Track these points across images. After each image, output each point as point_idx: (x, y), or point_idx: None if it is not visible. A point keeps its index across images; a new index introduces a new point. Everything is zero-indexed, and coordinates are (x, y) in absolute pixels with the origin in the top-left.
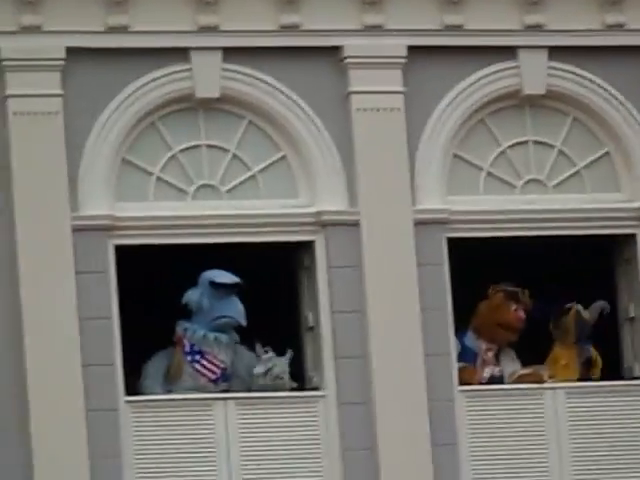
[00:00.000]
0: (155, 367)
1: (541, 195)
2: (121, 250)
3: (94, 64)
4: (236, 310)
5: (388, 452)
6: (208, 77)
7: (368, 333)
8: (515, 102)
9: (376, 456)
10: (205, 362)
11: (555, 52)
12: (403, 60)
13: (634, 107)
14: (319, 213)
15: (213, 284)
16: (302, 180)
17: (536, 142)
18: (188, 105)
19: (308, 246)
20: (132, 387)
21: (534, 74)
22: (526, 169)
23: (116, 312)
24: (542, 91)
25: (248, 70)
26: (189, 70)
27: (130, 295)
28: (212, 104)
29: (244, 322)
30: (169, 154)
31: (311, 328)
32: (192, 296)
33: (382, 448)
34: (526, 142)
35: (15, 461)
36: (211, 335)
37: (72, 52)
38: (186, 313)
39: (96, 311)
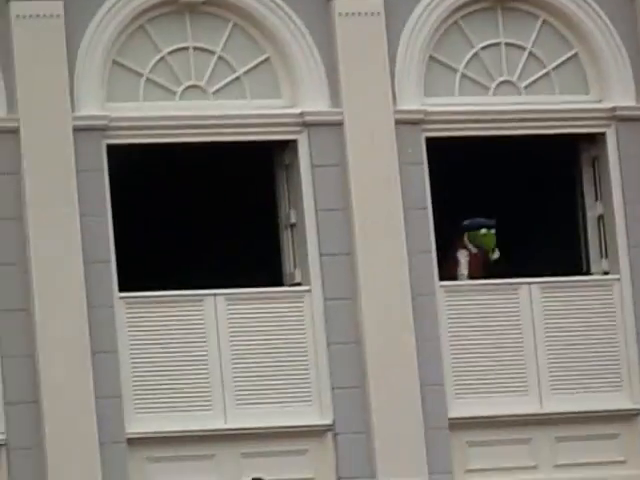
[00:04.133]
0: None
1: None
2: (114, 149)
3: None
4: None
5: (373, 345)
6: None
7: (352, 231)
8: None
9: (361, 349)
10: None
11: None
12: None
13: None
14: (302, 113)
15: None
16: (286, 81)
17: (508, 44)
18: (175, 8)
19: (291, 145)
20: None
21: None
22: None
23: (109, 209)
24: None
25: None
26: None
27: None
28: (198, 7)
29: None
30: (158, 56)
31: (292, 225)
32: None
33: (367, 341)
34: (499, 44)
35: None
36: None
37: None
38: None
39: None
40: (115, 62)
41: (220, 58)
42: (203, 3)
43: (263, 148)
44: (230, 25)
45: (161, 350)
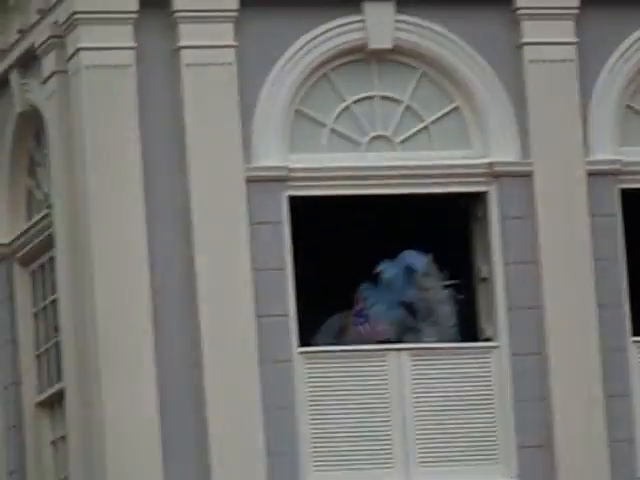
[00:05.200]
0: (329, 325)
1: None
2: (295, 201)
3: (267, 15)
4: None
5: (561, 404)
6: (381, 28)
7: (541, 284)
8: (361, 56)
9: (548, 407)
10: (368, 327)
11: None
12: (575, 11)
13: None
14: (492, 164)
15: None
16: (475, 131)
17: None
18: (360, 56)
19: (481, 197)
20: (306, 341)
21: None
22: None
23: (290, 263)
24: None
25: (421, 21)
26: (362, 21)
27: (306, 248)
28: (386, 55)
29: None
30: (342, 105)
31: (484, 279)
32: (389, 271)
33: (554, 400)
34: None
35: (188, 410)
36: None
37: (245, 3)
38: (369, 276)
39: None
40: None
41: (407, 108)
42: (391, 51)
43: (456, 200)
44: (418, 74)
45: (341, 405)
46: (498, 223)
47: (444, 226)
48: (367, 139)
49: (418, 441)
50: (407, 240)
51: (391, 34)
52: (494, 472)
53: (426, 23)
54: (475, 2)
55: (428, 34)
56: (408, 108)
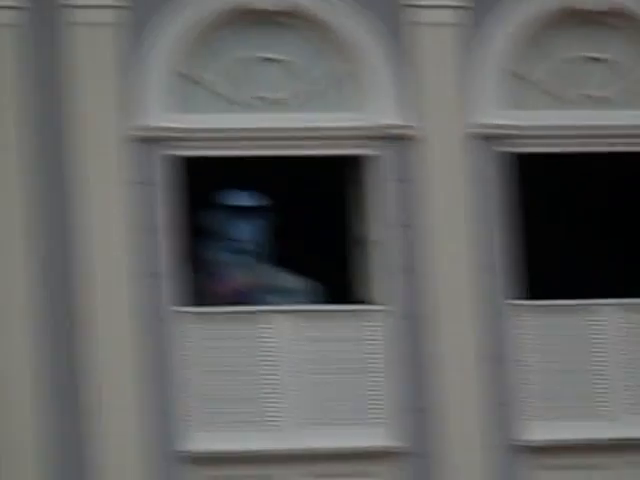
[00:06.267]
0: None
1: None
2: (176, 161)
3: None
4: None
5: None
6: None
7: (422, 247)
8: (243, 17)
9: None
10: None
11: None
12: None
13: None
14: (374, 127)
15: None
16: (357, 94)
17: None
18: (242, 17)
19: (362, 160)
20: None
21: None
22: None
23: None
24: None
25: None
26: None
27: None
28: (267, 16)
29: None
30: (223, 66)
31: (362, 241)
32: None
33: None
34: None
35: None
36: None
37: None
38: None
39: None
40: None
41: (288, 69)
42: (272, 12)
43: (330, 163)
44: (299, 35)
45: (218, 367)
46: (380, 186)
47: (321, 189)
48: (247, 100)
49: (298, 403)
50: (282, 201)
51: None
52: (377, 435)
53: None
54: None
55: None
56: (288, 69)
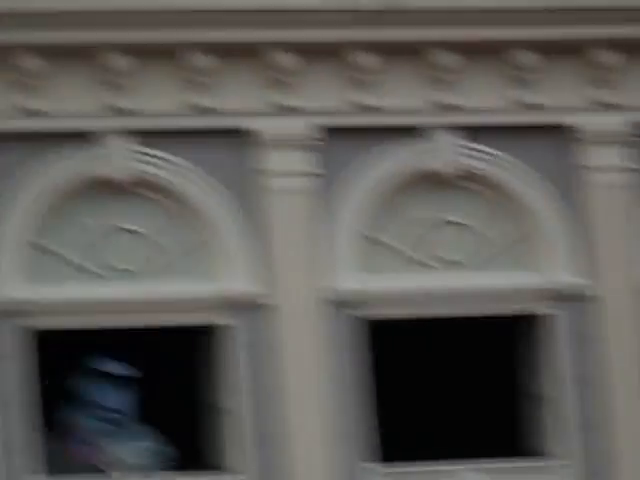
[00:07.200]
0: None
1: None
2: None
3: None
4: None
5: None
6: (122, 160)
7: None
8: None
9: None
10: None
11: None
12: (316, 142)
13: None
14: (229, 297)
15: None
16: (217, 263)
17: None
18: (104, 189)
19: (216, 329)
20: None
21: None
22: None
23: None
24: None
25: (160, 153)
26: (105, 154)
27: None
28: (128, 188)
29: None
30: (84, 238)
31: (221, 410)
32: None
33: None
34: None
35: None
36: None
37: None
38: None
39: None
40: None
41: (153, 242)
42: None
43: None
44: (160, 207)
45: None
46: (232, 354)
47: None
48: (109, 272)
49: None
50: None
51: (133, 166)
52: None
53: (162, 154)
54: (208, 133)
55: (166, 165)
56: (153, 242)
